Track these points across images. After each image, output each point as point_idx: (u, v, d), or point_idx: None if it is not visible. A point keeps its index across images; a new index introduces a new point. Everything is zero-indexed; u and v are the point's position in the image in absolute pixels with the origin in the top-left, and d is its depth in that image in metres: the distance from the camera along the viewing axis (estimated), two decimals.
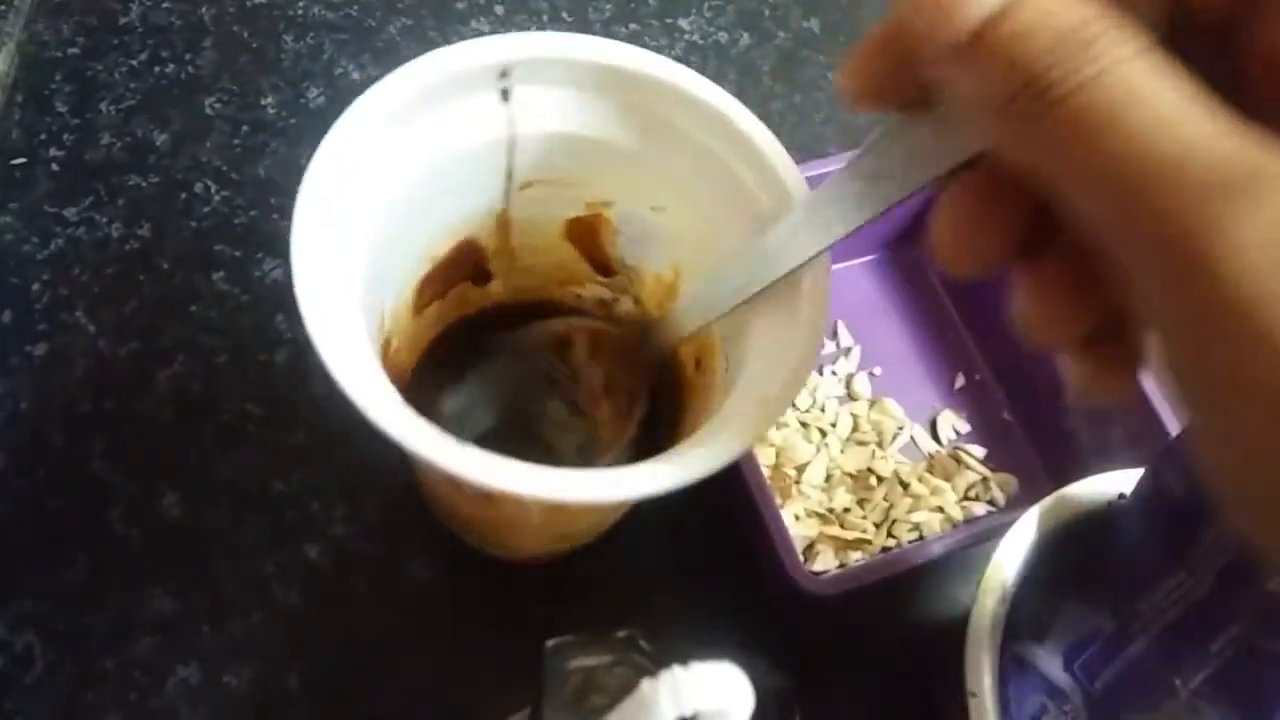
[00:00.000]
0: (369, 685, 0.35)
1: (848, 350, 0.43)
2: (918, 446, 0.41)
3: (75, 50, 0.45)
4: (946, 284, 0.45)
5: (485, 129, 0.29)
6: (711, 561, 0.38)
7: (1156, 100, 0.14)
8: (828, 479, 0.40)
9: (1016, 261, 0.18)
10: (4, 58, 0.44)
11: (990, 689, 0.28)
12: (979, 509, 0.40)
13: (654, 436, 0.34)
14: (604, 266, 0.35)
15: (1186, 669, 0.25)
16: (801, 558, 0.35)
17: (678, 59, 0.50)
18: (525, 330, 0.34)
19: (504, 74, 0.28)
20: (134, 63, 0.45)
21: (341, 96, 0.45)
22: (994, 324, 0.43)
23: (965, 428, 0.42)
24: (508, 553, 0.37)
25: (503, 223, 0.32)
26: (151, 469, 0.37)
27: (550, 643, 0.25)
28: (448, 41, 0.49)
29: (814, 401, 0.41)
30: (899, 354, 0.43)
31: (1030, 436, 0.42)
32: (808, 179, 0.38)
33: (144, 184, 0.42)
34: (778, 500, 0.38)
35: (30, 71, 0.44)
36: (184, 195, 0.42)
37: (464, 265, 0.33)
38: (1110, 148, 0.14)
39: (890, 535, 0.39)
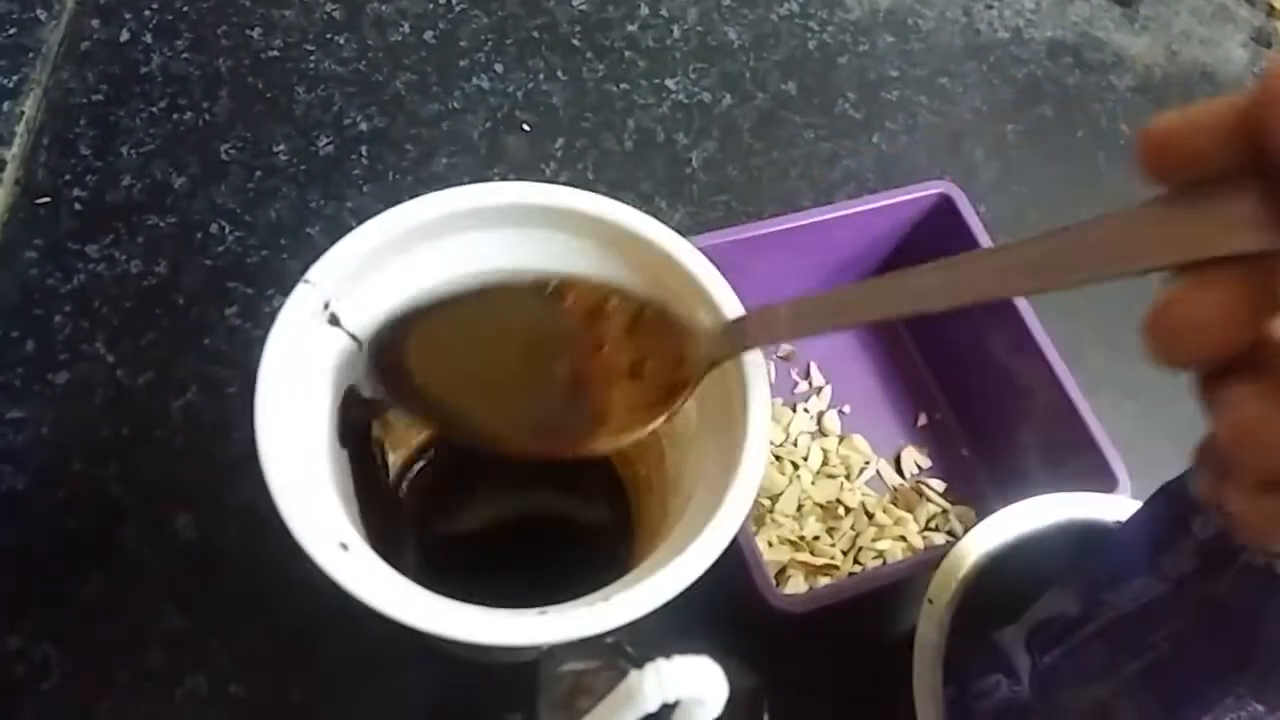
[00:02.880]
0: (368, 697, 0.37)
1: (819, 389, 0.46)
2: (883, 480, 0.44)
3: (99, 97, 0.48)
4: (911, 330, 0.48)
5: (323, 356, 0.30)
6: (691, 584, 0.40)
7: None
8: (799, 508, 0.42)
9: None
10: (31, 102, 0.47)
11: (932, 684, 0.31)
12: (939, 539, 0.43)
13: (613, 525, 0.37)
14: None
15: (1126, 656, 0.28)
16: (774, 581, 0.38)
17: (664, 116, 0.54)
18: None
19: (326, 305, 0.29)
20: (154, 110, 0.48)
21: (349, 145, 0.49)
22: (955, 367, 0.46)
23: (927, 463, 0.45)
24: None
25: None
26: (165, 492, 0.39)
27: (544, 647, 0.28)
28: (450, 95, 0.52)
29: (787, 436, 0.44)
30: (867, 393, 0.46)
31: (987, 472, 0.45)
32: (782, 231, 0.41)
33: (162, 224, 0.45)
34: (752, 528, 0.40)
35: (56, 116, 0.47)
36: (199, 235, 0.45)
37: None
38: None
39: (857, 562, 0.41)
